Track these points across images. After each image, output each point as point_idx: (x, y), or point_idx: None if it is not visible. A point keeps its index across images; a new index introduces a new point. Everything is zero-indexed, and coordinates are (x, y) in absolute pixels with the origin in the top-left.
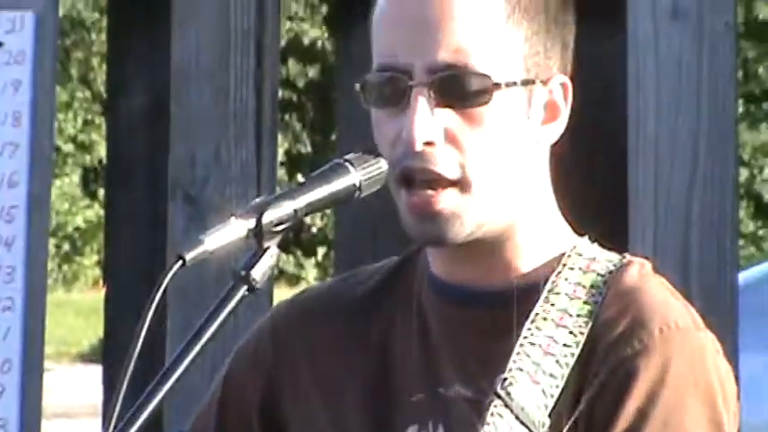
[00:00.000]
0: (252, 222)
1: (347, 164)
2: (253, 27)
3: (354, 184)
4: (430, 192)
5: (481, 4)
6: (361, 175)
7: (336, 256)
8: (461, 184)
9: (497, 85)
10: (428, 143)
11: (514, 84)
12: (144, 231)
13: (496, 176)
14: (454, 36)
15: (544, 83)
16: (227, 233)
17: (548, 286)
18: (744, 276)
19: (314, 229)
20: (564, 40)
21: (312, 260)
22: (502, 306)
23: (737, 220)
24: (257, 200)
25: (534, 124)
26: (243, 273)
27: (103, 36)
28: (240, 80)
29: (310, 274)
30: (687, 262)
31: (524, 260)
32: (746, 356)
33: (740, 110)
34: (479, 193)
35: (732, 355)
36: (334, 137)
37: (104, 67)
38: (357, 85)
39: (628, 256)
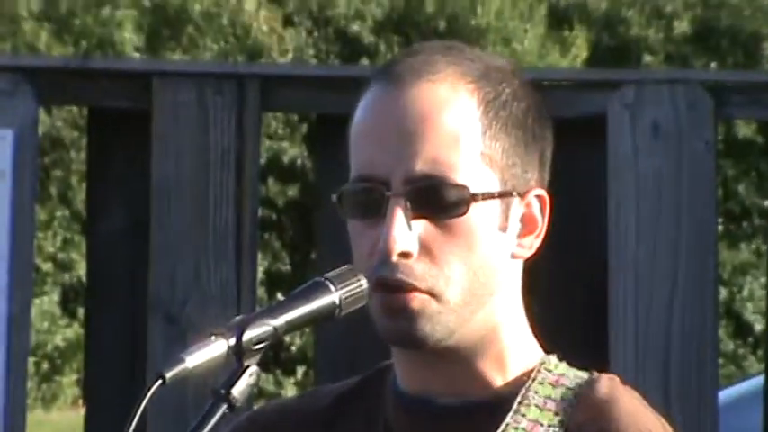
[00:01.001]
0: (232, 340)
1: (327, 282)
2: (233, 146)
3: (335, 303)
4: (403, 293)
5: (459, 117)
6: (341, 293)
7: (316, 375)
8: (434, 294)
9: (474, 197)
10: (404, 254)
11: (492, 196)
12: (123, 350)
13: (470, 288)
14: (432, 147)
15: (522, 196)
16: (208, 351)
17: (518, 399)
18: (724, 395)
19: (293, 348)
20: (542, 154)
21: (292, 379)
22: (472, 420)
23: (717, 339)
24: (237, 318)
25: (510, 237)
26: (223, 391)
27: (83, 155)
28: (220, 199)
29: (290, 393)
30: (667, 381)
31: (494, 374)
32: None
33: (720, 228)
34: (452, 303)
35: None
36: (313, 256)
37: (84, 185)
38: (334, 196)
39: (596, 373)
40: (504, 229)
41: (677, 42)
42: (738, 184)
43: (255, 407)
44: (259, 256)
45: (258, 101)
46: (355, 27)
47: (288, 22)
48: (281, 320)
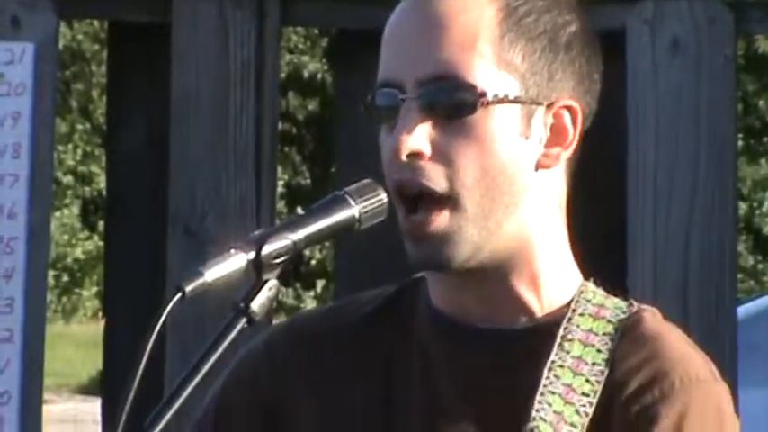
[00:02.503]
0: (251, 255)
1: (347, 196)
2: (253, 60)
3: (354, 216)
4: (423, 215)
5: (475, 21)
6: (360, 207)
7: (336, 288)
8: (451, 200)
9: (484, 97)
10: (415, 154)
11: (507, 99)
12: (143, 263)
13: (488, 192)
14: (444, 50)
15: (549, 106)
16: (227, 265)
17: (560, 332)
18: (743, 310)
19: (313, 262)
20: (581, 70)
21: (311, 292)
22: (511, 348)
23: (736, 254)
24: (257, 232)
25: (533, 145)
26: (242, 305)
27: (103, 68)
28: (240, 113)
29: (310, 306)
30: (686, 295)
31: (530, 297)
32: (744, 391)
33: (740, 144)
34: (471, 210)
35: (731, 390)
36: (333, 169)
37: (104, 99)
38: (361, 106)
39: (635, 303)
40: (525, 136)
41: None
42: (759, 99)
43: (275, 321)
44: (279, 169)
45: (278, 15)
46: None
47: None
48: (300, 234)
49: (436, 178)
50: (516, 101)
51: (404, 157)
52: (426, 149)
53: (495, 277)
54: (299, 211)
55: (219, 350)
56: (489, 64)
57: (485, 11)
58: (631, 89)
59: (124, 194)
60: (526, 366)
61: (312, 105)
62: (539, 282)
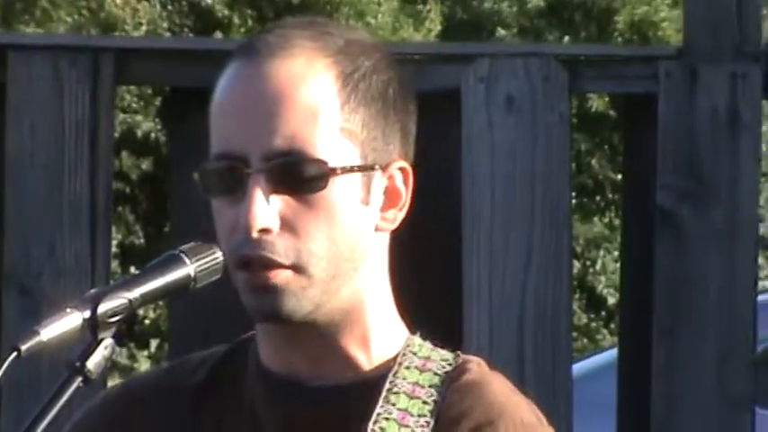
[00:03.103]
0: (87, 313)
1: (182, 255)
2: (87, 119)
3: (189, 275)
4: (265, 270)
5: (316, 91)
6: (195, 266)
7: (170, 348)
8: (298, 268)
9: (334, 171)
10: (264, 230)
11: (351, 169)
12: None
13: (334, 262)
14: (289, 123)
15: (383, 169)
16: (63, 324)
17: (386, 385)
18: (578, 368)
19: (147, 321)
20: (404, 127)
21: (145, 352)
22: (338, 403)
23: (571, 313)
24: (92, 291)
25: (373, 210)
26: (78, 364)
27: None
28: (74, 172)
29: (143, 366)
30: (522, 353)
31: (358, 354)
32: None
33: (573, 202)
34: (316, 277)
35: None
36: (167, 229)
37: None
38: (195, 174)
39: (461, 355)
40: (366, 203)
41: (530, 16)
42: (591, 157)
43: (110, 380)
44: (113, 229)
45: (113, 74)
46: (209, 0)
47: None
48: (135, 293)
49: (285, 252)
50: (359, 169)
51: (255, 234)
52: (276, 225)
53: (325, 336)
54: (133, 270)
55: (55, 409)
56: (333, 136)
57: (323, 79)
58: (467, 146)
59: None
60: (353, 421)
61: (146, 164)
62: (368, 339)
